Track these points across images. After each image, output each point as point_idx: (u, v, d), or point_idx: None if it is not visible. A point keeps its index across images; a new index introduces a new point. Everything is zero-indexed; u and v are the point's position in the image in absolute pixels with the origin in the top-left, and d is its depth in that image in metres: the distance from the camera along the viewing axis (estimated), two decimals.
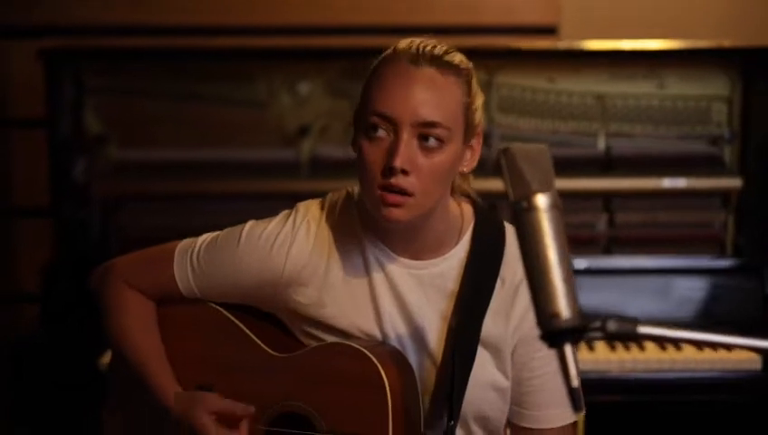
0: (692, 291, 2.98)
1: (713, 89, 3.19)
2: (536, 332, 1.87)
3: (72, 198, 3.11)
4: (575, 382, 1.43)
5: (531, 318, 1.89)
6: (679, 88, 3.19)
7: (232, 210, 2.86)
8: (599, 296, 2.95)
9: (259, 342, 2.00)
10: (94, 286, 2.11)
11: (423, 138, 1.80)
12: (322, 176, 3.15)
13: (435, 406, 1.93)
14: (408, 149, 1.79)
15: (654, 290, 3.00)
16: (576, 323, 1.46)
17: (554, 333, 1.45)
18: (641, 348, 2.89)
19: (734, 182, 3.15)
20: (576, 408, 1.42)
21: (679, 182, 3.12)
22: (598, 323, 1.46)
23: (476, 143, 1.91)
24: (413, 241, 1.92)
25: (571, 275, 1.47)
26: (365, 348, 1.89)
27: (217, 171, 3.17)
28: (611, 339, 1.47)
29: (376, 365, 1.87)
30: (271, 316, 2.04)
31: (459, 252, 1.95)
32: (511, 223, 1.48)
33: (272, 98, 3.20)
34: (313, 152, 3.18)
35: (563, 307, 1.45)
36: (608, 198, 3.16)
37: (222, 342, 2.02)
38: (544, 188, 1.48)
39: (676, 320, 2.94)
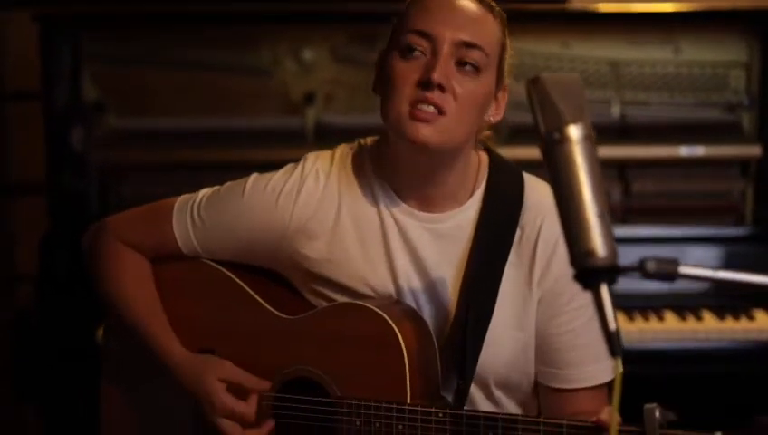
0: (709, 260, 2.90)
1: (730, 54, 3.11)
2: (562, 284, 1.84)
3: (68, 168, 3.02)
4: (612, 325, 1.34)
5: (555, 270, 1.82)
6: (695, 54, 3.11)
7: (235, 180, 2.76)
8: None
9: (264, 303, 1.90)
10: (87, 245, 2.01)
11: (461, 63, 1.75)
12: (328, 144, 3.02)
13: (448, 368, 1.84)
14: (447, 67, 1.74)
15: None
16: (612, 262, 1.37)
17: (589, 273, 1.36)
18: (660, 318, 2.80)
19: (753, 150, 3.06)
20: (614, 352, 1.33)
21: (697, 150, 3.03)
22: (636, 263, 1.38)
23: (502, 98, 1.85)
24: (430, 188, 1.83)
25: (607, 211, 1.39)
26: (378, 308, 1.80)
27: (220, 140, 3.08)
28: (650, 278, 1.37)
29: (390, 325, 1.77)
30: (276, 275, 1.94)
31: (475, 203, 1.86)
32: (542, 156, 1.39)
33: (276, 65, 3.11)
34: (319, 120, 3.09)
35: (599, 244, 1.37)
36: (623, 166, 3.08)
37: (224, 304, 1.92)
38: (577, 119, 1.40)
39: (693, 290, 2.85)
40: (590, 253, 1.35)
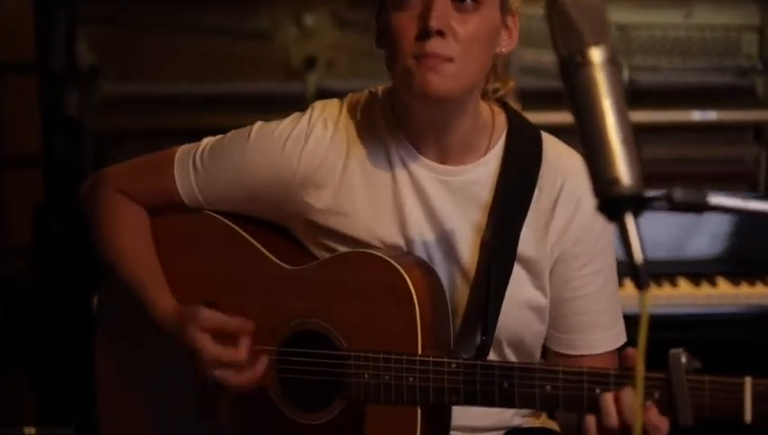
0: (723, 227, 2.83)
1: (743, 18, 3.03)
2: (579, 247, 1.77)
3: (63, 134, 2.94)
4: (639, 257, 1.27)
5: (573, 232, 1.76)
6: (707, 17, 3.02)
7: None
8: None
9: (268, 253, 1.82)
10: (84, 195, 1.94)
11: (458, 0, 1.66)
12: None
13: (466, 323, 1.76)
14: (443, 9, 1.65)
15: (683, 226, 2.85)
16: (638, 191, 1.30)
17: (613, 202, 1.29)
18: (674, 285, 2.74)
19: (767, 115, 2.99)
20: (640, 286, 1.25)
21: (709, 115, 2.96)
22: (663, 192, 1.31)
23: (513, 24, 1.76)
24: (442, 137, 1.76)
25: (632, 138, 1.32)
26: (389, 257, 1.72)
27: (219, 106, 3.00)
28: (677, 210, 1.30)
29: (402, 275, 1.70)
30: (280, 228, 1.86)
31: (492, 159, 1.79)
32: (562, 81, 1.32)
33: (276, 29, 3.03)
34: (320, 86, 3.01)
35: (623, 172, 1.31)
36: (634, 131, 2.99)
37: (227, 255, 1.84)
38: (600, 41, 1.32)
39: (707, 257, 2.80)
40: (615, 181, 1.28)
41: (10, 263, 3.35)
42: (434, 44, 1.64)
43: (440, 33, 1.64)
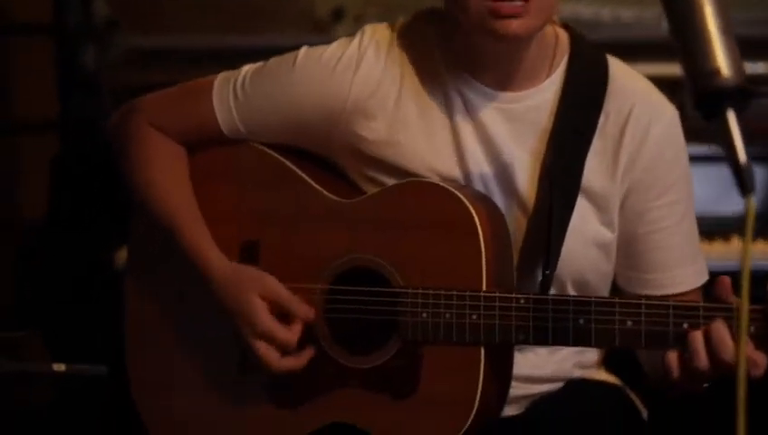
0: None
1: None
2: (653, 176, 1.65)
3: (80, 90, 2.82)
4: (743, 158, 1.14)
5: (645, 159, 1.65)
6: None
7: None
8: None
9: (316, 185, 1.68)
10: (113, 129, 1.81)
11: None
12: None
13: (526, 259, 1.65)
14: None
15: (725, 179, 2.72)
16: (740, 82, 1.16)
17: (713, 96, 1.16)
18: (726, 240, 2.64)
19: None
20: (745, 189, 1.12)
21: (757, 67, 2.82)
22: None
23: None
24: (505, 66, 1.65)
25: (732, 30, 1.19)
26: (451, 187, 1.60)
27: (240, 59, 2.76)
28: None
29: (466, 205, 1.57)
30: (327, 161, 1.74)
31: (554, 83, 1.67)
32: None
33: None
34: None
35: (724, 62, 1.17)
36: (675, 84, 2.86)
37: (268, 187, 1.71)
38: None
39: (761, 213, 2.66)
40: (715, 72, 1.16)
41: (28, 229, 3.23)
42: None
43: None
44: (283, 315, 1.63)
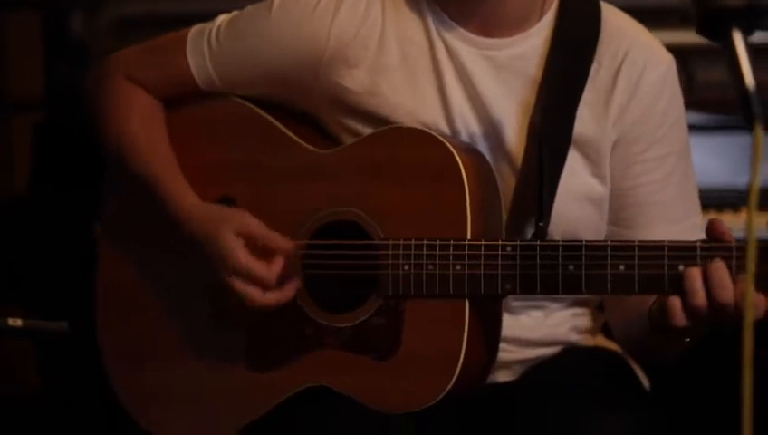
0: None
1: None
2: (640, 128, 1.56)
3: (67, 57, 2.75)
4: (750, 83, 1.05)
5: (635, 109, 1.57)
6: None
7: None
8: None
9: (294, 136, 1.60)
10: (88, 83, 1.75)
11: None
12: None
13: (516, 215, 1.56)
14: None
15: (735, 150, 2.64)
16: (748, 0, 1.08)
17: (719, 15, 1.08)
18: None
19: None
20: (750, 116, 1.06)
21: None
22: None
23: None
24: (489, 10, 1.56)
25: None
26: (434, 133, 1.52)
27: None
28: None
29: (450, 151, 1.48)
30: (307, 114, 1.66)
31: (543, 29, 1.59)
32: None
33: None
34: None
35: None
36: (686, 54, 2.76)
37: (245, 141, 1.63)
38: None
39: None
40: None
41: (17, 206, 3.15)
42: None
43: None
44: (263, 254, 1.55)
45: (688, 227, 1.61)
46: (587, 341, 1.70)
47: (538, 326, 1.62)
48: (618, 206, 1.60)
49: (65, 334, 1.47)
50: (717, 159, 2.64)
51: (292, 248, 1.55)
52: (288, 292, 1.55)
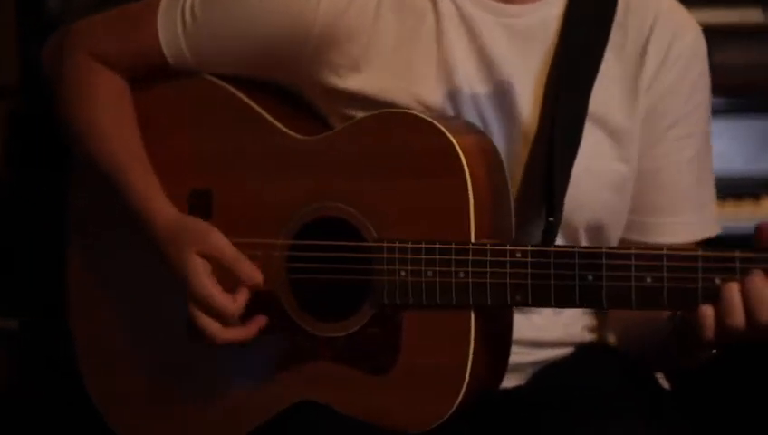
0: None
1: None
2: (668, 102, 1.46)
3: (42, 37, 2.59)
4: None
5: (663, 81, 1.47)
6: None
7: None
8: None
9: (276, 122, 1.45)
10: (46, 58, 1.60)
11: None
12: None
13: (526, 202, 1.43)
14: None
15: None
16: None
17: None
18: (757, 199, 2.45)
19: None
20: None
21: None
22: None
23: None
24: None
25: None
26: (432, 118, 1.36)
27: None
28: None
29: (449, 139, 1.33)
30: (291, 94, 1.51)
31: None
32: None
33: None
34: None
35: None
36: (717, 33, 2.67)
37: (222, 127, 1.48)
38: None
39: None
40: None
41: None
42: None
43: None
44: (228, 280, 1.41)
45: (705, 220, 1.51)
46: (603, 339, 1.58)
47: (550, 325, 1.50)
48: (638, 190, 1.49)
49: (15, 334, 1.33)
50: (736, 144, 2.55)
51: (260, 279, 1.41)
52: (251, 330, 1.42)
